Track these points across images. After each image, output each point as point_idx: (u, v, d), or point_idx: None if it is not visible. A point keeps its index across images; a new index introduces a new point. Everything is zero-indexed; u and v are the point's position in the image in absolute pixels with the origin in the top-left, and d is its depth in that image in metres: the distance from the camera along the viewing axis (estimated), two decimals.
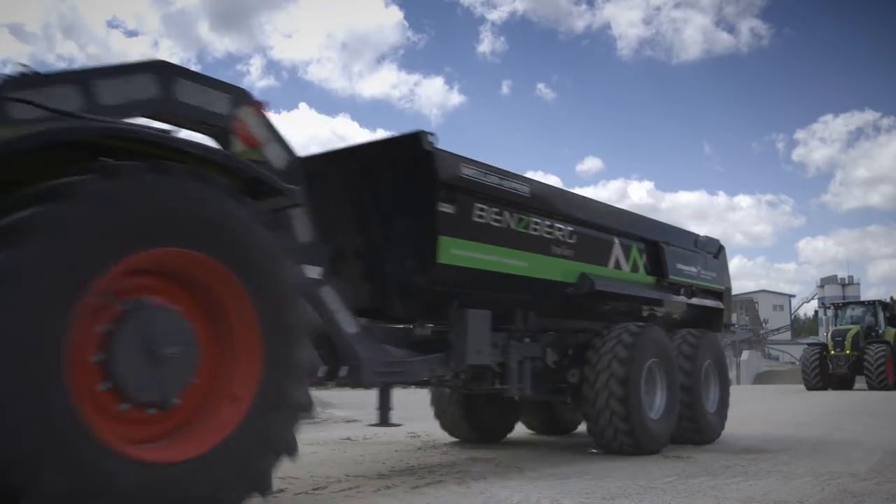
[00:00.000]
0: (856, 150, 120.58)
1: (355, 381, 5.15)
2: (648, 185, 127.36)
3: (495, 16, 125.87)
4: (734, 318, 53.48)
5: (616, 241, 7.57)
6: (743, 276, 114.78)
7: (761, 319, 55.19)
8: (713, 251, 9.50)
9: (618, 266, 7.58)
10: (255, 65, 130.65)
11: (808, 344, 28.54)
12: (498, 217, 6.05)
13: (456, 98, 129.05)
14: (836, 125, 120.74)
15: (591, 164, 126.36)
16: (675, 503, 4.62)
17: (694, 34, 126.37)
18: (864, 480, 5.55)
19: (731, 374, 43.46)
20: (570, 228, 6.85)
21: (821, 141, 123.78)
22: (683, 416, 7.66)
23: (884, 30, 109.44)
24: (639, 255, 7.94)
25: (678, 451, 7.36)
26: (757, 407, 15.87)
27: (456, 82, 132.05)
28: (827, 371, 24.54)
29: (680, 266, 8.53)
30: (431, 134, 5.43)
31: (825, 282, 66.78)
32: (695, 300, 8.83)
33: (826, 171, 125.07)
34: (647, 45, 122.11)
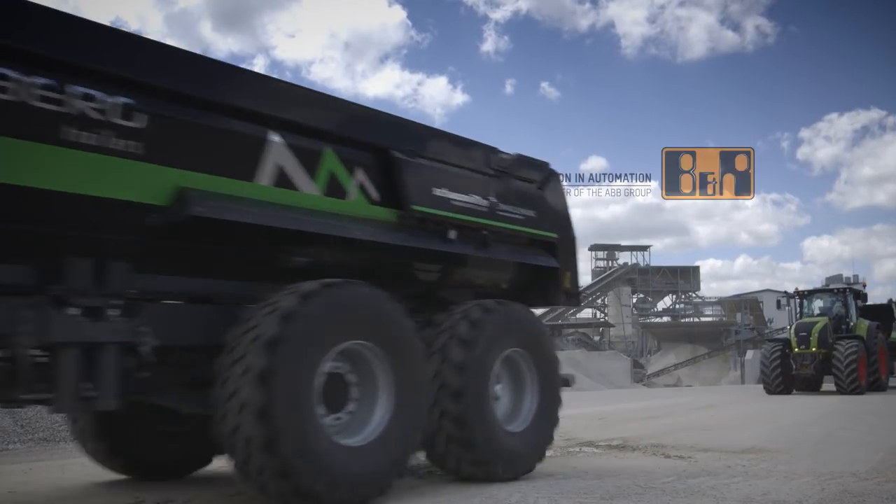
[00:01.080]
0: (861, 149, 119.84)
1: None
2: (653, 184, 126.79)
3: (498, 15, 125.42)
4: (738, 317, 53.13)
5: (274, 138, 4.34)
6: (748, 275, 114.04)
7: (766, 319, 54.98)
8: (535, 179, 6.25)
9: (285, 182, 4.39)
10: (259, 65, 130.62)
11: (769, 340, 23.24)
12: None
13: (459, 97, 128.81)
14: (842, 123, 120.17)
15: (595, 163, 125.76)
16: (674, 503, 4.61)
17: (699, 32, 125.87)
18: (865, 480, 5.52)
19: (735, 374, 43.26)
20: (123, 100, 3.66)
21: (826, 140, 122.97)
22: (452, 439, 4.94)
23: (890, 28, 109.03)
24: (343, 167, 4.72)
25: (679, 450, 7.35)
26: (759, 406, 15.82)
27: (459, 81, 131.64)
28: (790, 372, 20.09)
29: (444, 193, 5.23)
30: None
31: (830, 281, 66.51)
32: (493, 252, 5.63)
33: (831, 169, 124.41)
34: (651, 43, 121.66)
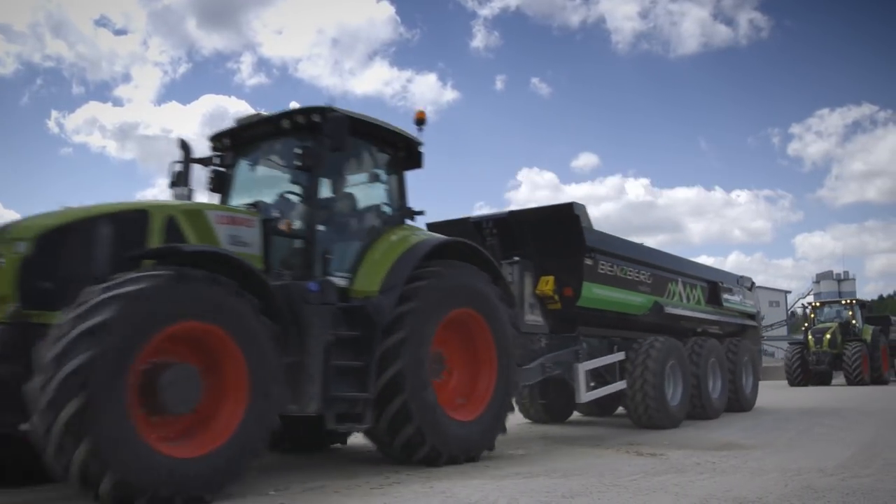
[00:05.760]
0: (852, 144, 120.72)
1: None
2: (644, 181, 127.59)
3: (487, 11, 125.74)
4: None
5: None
6: (741, 272, 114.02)
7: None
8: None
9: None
10: (246, 62, 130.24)
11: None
12: None
13: (449, 94, 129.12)
14: (833, 119, 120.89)
15: (586, 159, 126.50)
16: (635, 501, 4.61)
17: (691, 27, 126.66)
18: (831, 476, 5.53)
19: None
20: None
21: (817, 135, 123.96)
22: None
23: (882, 23, 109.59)
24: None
25: (653, 448, 7.35)
26: None
27: (449, 78, 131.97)
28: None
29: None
30: None
31: (821, 277, 66.85)
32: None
33: (822, 165, 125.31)
34: (643, 38, 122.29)
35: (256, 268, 5.17)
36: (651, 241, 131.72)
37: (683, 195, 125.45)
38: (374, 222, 6.76)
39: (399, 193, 6.96)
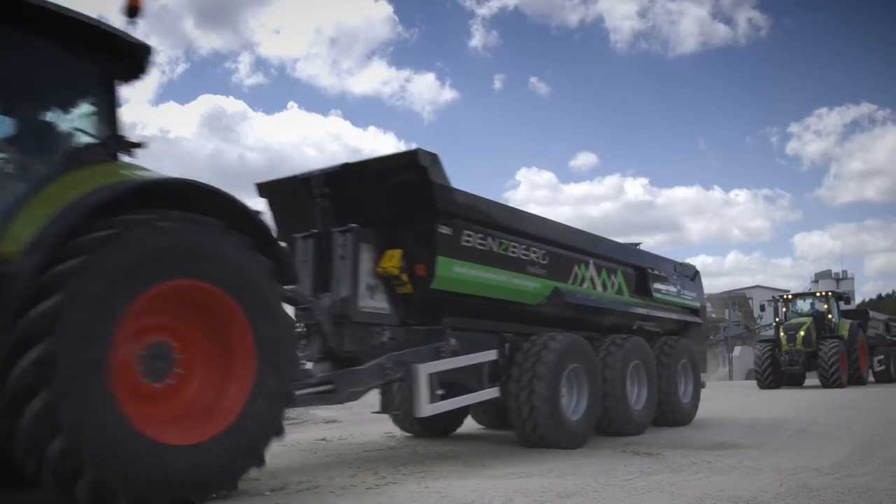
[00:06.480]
0: (851, 143, 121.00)
1: None
2: (643, 181, 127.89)
3: (486, 10, 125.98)
4: (727, 314, 53.23)
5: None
6: (739, 271, 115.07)
7: (754, 315, 55.19)
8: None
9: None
10: (244, 62, 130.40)
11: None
12: None
13: (448, 94, 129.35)
14: (832, 118, 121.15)
15: (584, 159, 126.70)
16: (630, 500, 4.62)
17: (690, 26, 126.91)
18: (827, 475, 5.54)
19: (724, 370, 43.36)
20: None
21: (815, 134, 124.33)
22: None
23: (881, 22, 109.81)
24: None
25: (650, 447, 7.36)
26: (738, 402, 15.88)
27: (448, 78, 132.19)
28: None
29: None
30: None
31: (819, 276, 66.95)
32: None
33: (821, 164, 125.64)
34: (641, 38, 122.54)
35: None
36: (650, 241, 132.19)
37: (682, 194, 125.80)
38: (59, 158, 4.50)
39: (108, 118, 4.68)
